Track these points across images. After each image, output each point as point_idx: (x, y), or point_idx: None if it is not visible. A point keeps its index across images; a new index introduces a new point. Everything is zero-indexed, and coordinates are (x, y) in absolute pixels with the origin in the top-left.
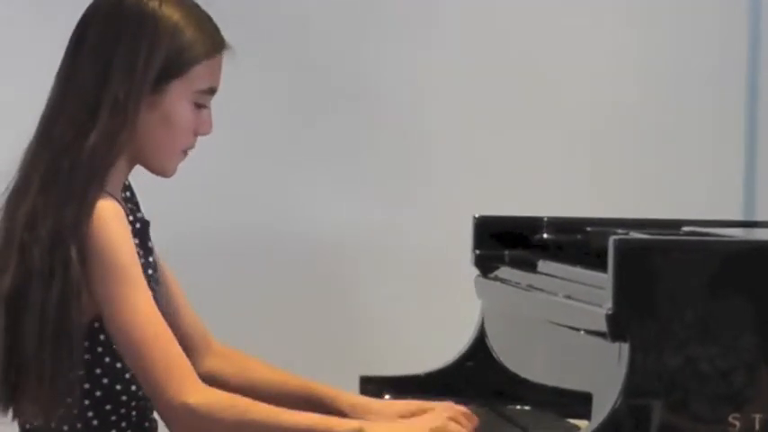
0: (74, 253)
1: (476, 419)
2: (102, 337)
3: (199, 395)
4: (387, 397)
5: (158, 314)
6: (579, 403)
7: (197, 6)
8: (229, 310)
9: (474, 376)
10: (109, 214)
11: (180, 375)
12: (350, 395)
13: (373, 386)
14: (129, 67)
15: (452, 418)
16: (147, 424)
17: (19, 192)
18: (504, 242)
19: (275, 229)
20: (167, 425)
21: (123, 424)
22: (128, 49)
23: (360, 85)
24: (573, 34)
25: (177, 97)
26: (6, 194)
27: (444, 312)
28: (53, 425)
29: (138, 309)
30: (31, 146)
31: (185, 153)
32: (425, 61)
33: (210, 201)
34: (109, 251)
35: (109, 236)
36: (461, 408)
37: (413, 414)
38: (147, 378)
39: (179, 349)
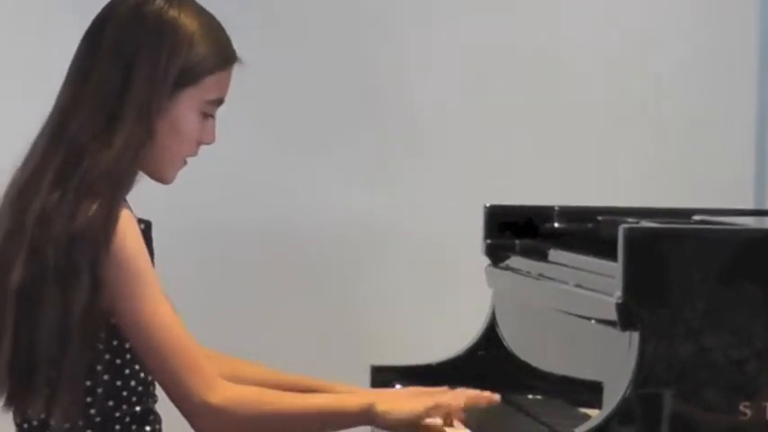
0: (102, 253)
1: (494, 398)
2: (102, 334)
3: (224, 393)
4: (397, 386)
5: (177, 317)
6: (590, 392)
7: (213, 17)
8: (237, 304)
9: (485, 365)
10: (126, 220)
11: (204, 376)
12: (347, 387)
13: (384, 376)
14: (151, 74)
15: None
16: (151, 417)
17: (28, 187)
18: (515, 231)
19: (284, 221)
20: (194, 426)
21: (127, 419)
22: (148, 56)
23: (364, 74)
24: (584, 22)
25: (187, 106)
26: (13, 189)
27: (455, 302)
28: (53, 422)
29: (157, 312)
30: (42, 141)
31: (185, 161)
32: (433, 50)
33: (211, 196)
34: (128, 256)
35: (128, 242)
36: (474, 392)
37: None
38: (170, 381)
39: (199, 350)
